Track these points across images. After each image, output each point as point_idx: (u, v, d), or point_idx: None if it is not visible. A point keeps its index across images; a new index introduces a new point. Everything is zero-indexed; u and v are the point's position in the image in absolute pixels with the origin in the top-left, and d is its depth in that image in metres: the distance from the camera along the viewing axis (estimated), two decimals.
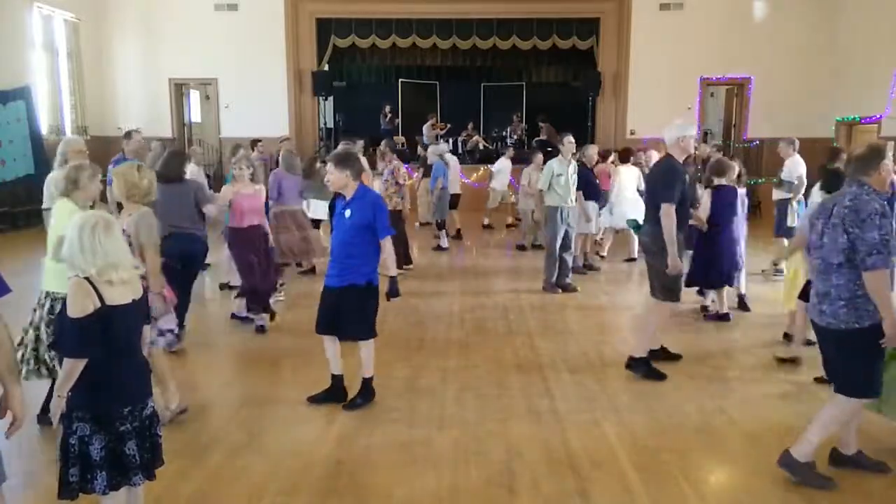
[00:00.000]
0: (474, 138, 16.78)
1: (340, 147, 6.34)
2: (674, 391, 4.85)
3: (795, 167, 8.14)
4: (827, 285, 3.40)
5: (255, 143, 9.93)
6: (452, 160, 11.28)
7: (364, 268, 4.36)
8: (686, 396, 4.76)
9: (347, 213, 4.33)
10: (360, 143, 10.31)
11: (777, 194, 8.31)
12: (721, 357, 5.58)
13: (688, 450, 3.95)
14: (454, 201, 11.11)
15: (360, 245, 4.33)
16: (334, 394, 4.57)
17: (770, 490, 3.52)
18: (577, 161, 8.89)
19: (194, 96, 17.36)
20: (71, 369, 2.56)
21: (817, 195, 5.55)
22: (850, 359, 3.38)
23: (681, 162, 4.98)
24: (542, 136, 16.23)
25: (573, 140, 7.71)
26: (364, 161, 8.36)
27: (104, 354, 2.59)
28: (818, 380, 4.73)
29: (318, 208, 8.49)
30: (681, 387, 4.93)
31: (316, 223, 8.24)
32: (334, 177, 4.32)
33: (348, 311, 4.38)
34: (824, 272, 3.42)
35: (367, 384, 4.58)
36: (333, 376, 4.59)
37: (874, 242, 3.20)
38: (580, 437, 4.09)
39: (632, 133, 15.50)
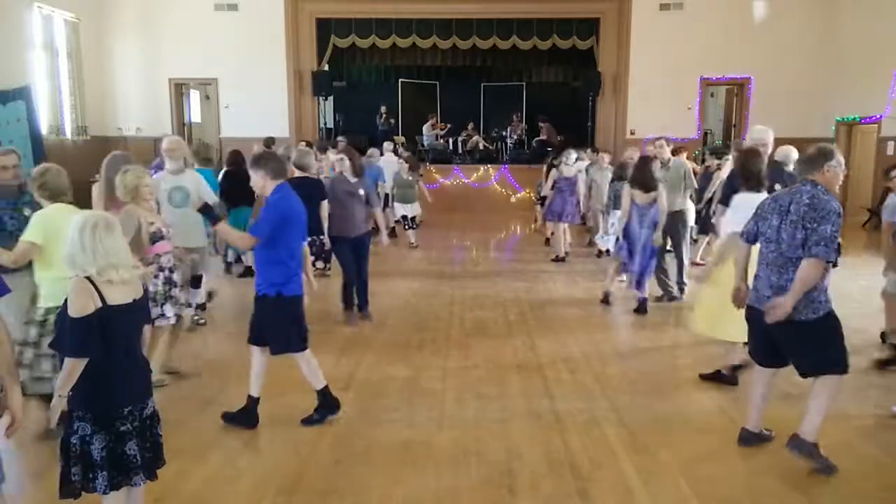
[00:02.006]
0: (474, 138, 16.78)
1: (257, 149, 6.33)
2: (673, 391, 4.85)
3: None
4: (783, 279, 3.59)
5: (308, 143, 10.11)
6: (386, 162, 11.32)
7: (272, 276, 4.09)
8: (686, 396, 4.76)
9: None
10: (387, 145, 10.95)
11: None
12: (721, 358, 5.57)
13: (688, 450, 3.95)
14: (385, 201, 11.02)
15: (263, 250, 4.09)
16: (245, 416, 4.21)
17: (770, 490, 3.52)
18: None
19: (194, 96, 17.34)
20: (71, 369, 2.56)
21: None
22: (814, 344, 3.59)
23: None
24: (542, 136, 16.24)
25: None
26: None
27: (104, 354, 2.59)
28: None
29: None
30: (680, 387, 4.93)
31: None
32: (252, 179, 4.19)
33: (261, 324, 4.18)
34: (781, 266, 3.60)
35: (321, 396, 4.27)
36: (249, 397, 4.23)
37: (825, 235, 3.43)
38: (580, 437, 4.09)
39: (632, 133, 15.48)
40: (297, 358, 4.24)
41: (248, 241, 4.19)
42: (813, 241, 3.45)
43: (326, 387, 4.30)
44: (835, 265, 3.75)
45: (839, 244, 3.68)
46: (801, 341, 3.63)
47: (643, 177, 6.74)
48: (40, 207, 4.32)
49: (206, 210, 4.18)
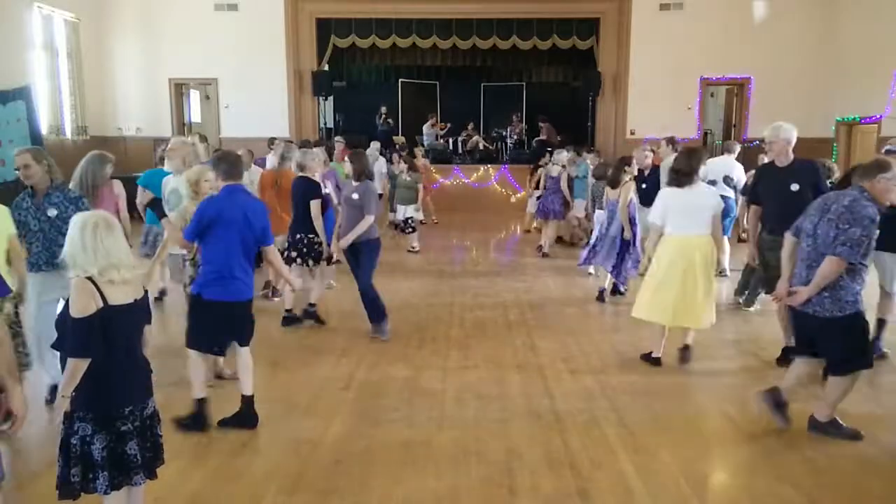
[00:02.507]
0: (474, 138, 16.77)
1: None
2: (674, 391, 4.85)
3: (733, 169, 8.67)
4: (811, 273, 3.85)
5: (289, 143, 9.96)
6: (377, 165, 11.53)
7: (199, 276, 4.18)
8: (686, 396, 4.76)
9: None
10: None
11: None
12: (721, 357, 5.58)
13: (688, 450, 3.95)
14: None
15: (202, 250, 4.18)
16: (242, 418, 4.19)
17: (770, 490, 3.52)
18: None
19: (194, 96, 17.33)
20: (74, 369, 2.56)
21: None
22: (837, 342, 3.86)
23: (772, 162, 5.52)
24: (542, 136, 16.23)
25: None
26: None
27: (105, 354, 2.59)
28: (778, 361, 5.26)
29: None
30: (681, 387, 4.93)
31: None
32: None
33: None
34: (813, 261, 3.87)
35: (198, 404, 4.15)
36: (242, 397, 4.24)
37: (853, 237, 3.68)
38: (580, 437, 4.09)
39: (632, 133, 15.48)
40: (192, 357, 4.15)
41: (181, 241, 4.26)
42: (840, 241, 3.70)
43: (205, 399, 4.16)
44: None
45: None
46: (825, 336, 3.90)
47: (613, 174, 7.34)
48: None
49: (153, 205, 4.19)
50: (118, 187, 5.31)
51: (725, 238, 7.51)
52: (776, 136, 5.44)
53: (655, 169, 7.81)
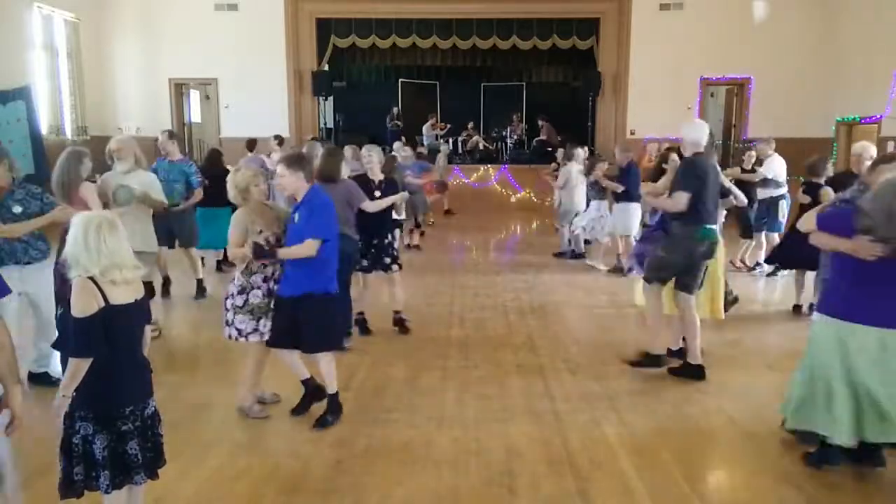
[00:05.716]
0: (474, 138, 16.78)
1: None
2: (674, 391, 4.85)
3: (773, 166, 8.70)
4: None
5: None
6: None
7: (319, 275, 4.11)
8: (686, 396, 4.76)
9: (296, 216, 4.10)
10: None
11: (762, 193, 8.66)
12: (720, 356, 5.57)
13: (688, 450, 3.95)
14: None
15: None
16: (310, 398, 4.40)
17: (770, 490, 3.52)
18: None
19: (194, 96, 17.34)
20: (76, 369, 2.57)
21: None
22: None
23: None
24: (542, 136, 16.24)
25: None
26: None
27: (107, 354, 2.60)
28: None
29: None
30: (681, 387, 4.93)
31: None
32: (287, 180, 4.08)
33: (306, 322, 4.11)
34: None
35: (332, 400, 4.30)
36: (304, 382, 4.39)
37: None
38: (580, 437, 4.09)
39: (632, 133, 15.48)
40: (329, 356, 4.36)
41: (310, 246, 4.25)
42: None
43: (336, 392, 4.35)
44: None
45: None
46: None
47: None
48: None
49: None
50: (90, 192, 5.15)
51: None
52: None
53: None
